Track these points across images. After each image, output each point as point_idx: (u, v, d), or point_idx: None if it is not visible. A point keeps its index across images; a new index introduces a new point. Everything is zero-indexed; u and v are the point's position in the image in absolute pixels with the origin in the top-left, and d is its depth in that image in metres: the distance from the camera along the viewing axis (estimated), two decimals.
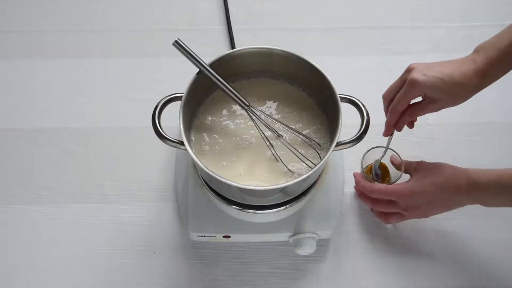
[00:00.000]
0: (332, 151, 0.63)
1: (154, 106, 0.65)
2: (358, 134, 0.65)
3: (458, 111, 0.85)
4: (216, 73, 0.66)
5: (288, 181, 0.64)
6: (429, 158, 0.81)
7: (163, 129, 0.64)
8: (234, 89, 0.67)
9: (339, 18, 0.93)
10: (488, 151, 0.82)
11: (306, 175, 0.61)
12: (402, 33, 0.92)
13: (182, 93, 0.65)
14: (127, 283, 0.74)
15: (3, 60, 0.89)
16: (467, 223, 0.77)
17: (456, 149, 0.83)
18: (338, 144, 0.64)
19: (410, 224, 0.77)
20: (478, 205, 0.76)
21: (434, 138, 0.83)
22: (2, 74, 0.88)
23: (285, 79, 0.73)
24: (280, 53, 0.69)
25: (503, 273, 0.75)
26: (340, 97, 0.66)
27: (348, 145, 0.65)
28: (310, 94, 0.73)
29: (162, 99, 0.66)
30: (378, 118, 0.84)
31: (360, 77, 0.88)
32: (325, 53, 0.90)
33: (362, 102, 0.68)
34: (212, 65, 0.66)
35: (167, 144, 0.63)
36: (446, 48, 0.91)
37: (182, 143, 0.62)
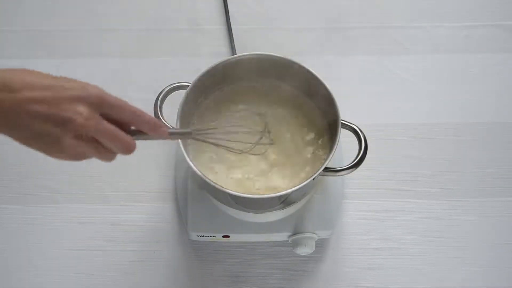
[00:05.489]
0: (321, 175, 0.60)
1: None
2: (353, 163, 0.62)
3: (457, 111, 0.86)
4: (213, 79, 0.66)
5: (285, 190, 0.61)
6: (427, 158, 0.82)
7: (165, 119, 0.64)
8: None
9: (339, 18, 0.93)
10: (487, 151, 0.82)
11: (288, 191, 0.59)
12: (402, 33, 0.91)
13: (189, 83, 0.65)
14: (127, 283, 0.74)
15: (3, 60, 0.89)
16: (468, 223, 0.77)
17: (455, 149, 0.82)
18: (328, 169, 0.63)
19: (410, 224, 0.77)
20: (483, 206, 0.77)
21: (432, 138, 0.83)
22: None
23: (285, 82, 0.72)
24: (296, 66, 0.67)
25: (505, 274, 0.75)
26: (342, 123, 0.63)
27: (338, 173, 0.63)
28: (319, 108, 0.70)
29: (167, 86, 0.66)
30: (379, 117, 0.85)
31: (360, 77, 0.88)
32: (324, 53, 0.90)
33: (364, 134, 0.64)
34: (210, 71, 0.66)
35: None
36: (446, 48, 0.90)
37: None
